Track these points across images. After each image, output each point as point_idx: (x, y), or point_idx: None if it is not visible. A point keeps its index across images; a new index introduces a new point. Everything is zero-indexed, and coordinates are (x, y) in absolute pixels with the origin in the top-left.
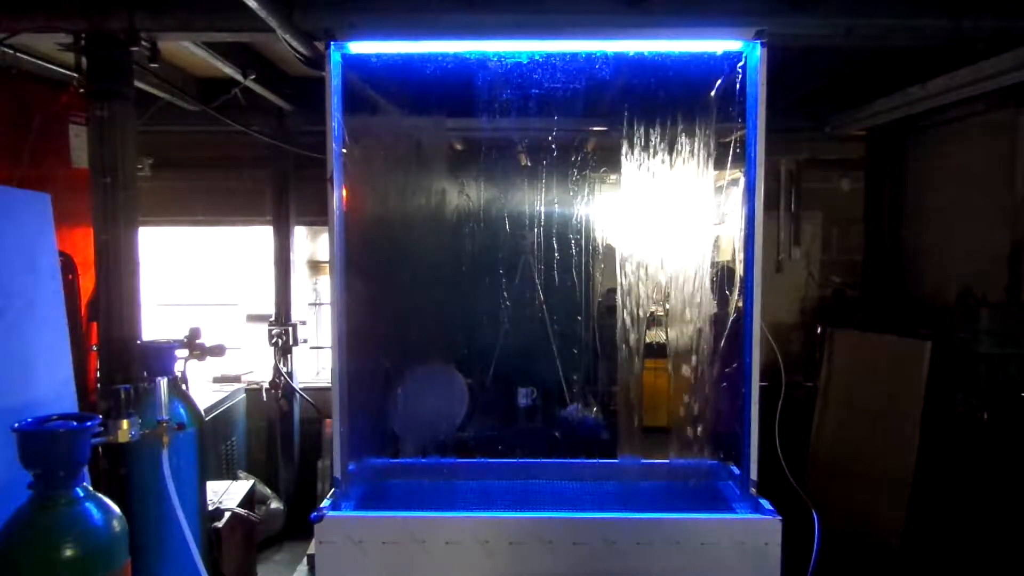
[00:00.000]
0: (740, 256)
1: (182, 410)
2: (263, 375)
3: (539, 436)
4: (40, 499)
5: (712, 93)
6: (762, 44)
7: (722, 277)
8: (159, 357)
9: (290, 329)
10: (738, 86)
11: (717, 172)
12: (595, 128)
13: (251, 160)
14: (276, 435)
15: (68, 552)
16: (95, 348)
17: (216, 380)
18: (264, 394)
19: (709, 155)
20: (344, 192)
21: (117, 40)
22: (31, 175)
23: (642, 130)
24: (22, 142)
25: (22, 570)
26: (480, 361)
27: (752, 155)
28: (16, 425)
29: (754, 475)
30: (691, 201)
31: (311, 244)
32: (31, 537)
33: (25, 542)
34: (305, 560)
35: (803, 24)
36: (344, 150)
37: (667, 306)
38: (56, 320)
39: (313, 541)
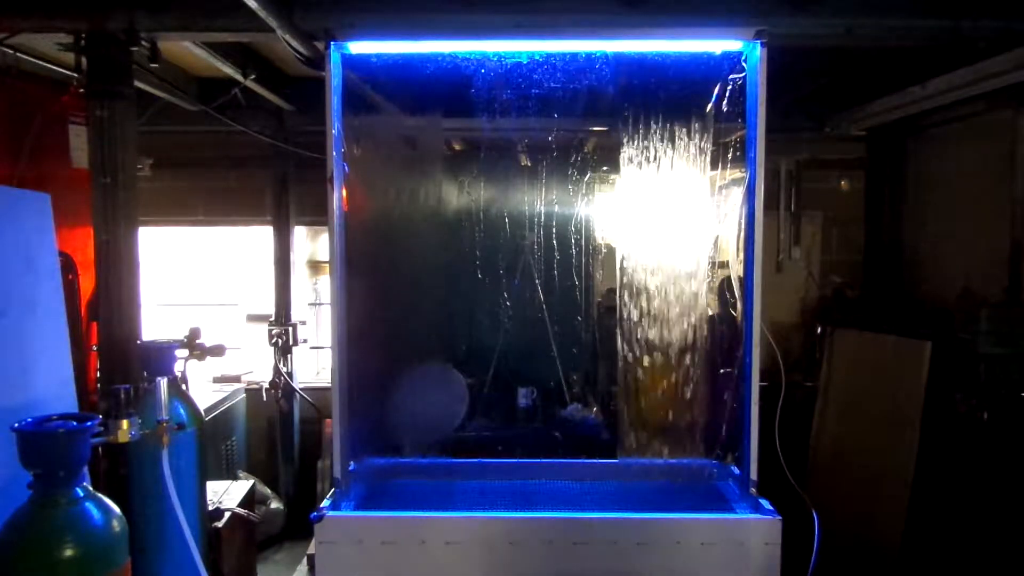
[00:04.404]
0: (740, 256)
1: (182, 410)
2: (263, 375)
3: (539, 436)
4: (40, 499)
5: (712, 93)
6: (762, 44)
7: (722, 287)
8: (159, 357)
9: (290, 329)
10: (730, 85)
11: (717, 172)
12: (595, 128)
13: (251, 160)
14: (276, 435)
15: (68, 552)
16: (95, 348)
17: (216, 380)
18: (264, 394)
19: (709, 155)
20: (344, 192)
21: (117, 40)
22: (31, 175)
23: (642, 130)
24: (22, 142)
25: (22, 570)
26: (480, 361)
27: (752, 155)
28: (16, 425)
29: (754, 475)
30: (691, 201)
31: (311, 244)
32: (31, 537)
33: (25, 542)
34: (305, 560)
35: (803, 24)
36: (344, 150)
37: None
38: (56, 320)
39: (313, 541)
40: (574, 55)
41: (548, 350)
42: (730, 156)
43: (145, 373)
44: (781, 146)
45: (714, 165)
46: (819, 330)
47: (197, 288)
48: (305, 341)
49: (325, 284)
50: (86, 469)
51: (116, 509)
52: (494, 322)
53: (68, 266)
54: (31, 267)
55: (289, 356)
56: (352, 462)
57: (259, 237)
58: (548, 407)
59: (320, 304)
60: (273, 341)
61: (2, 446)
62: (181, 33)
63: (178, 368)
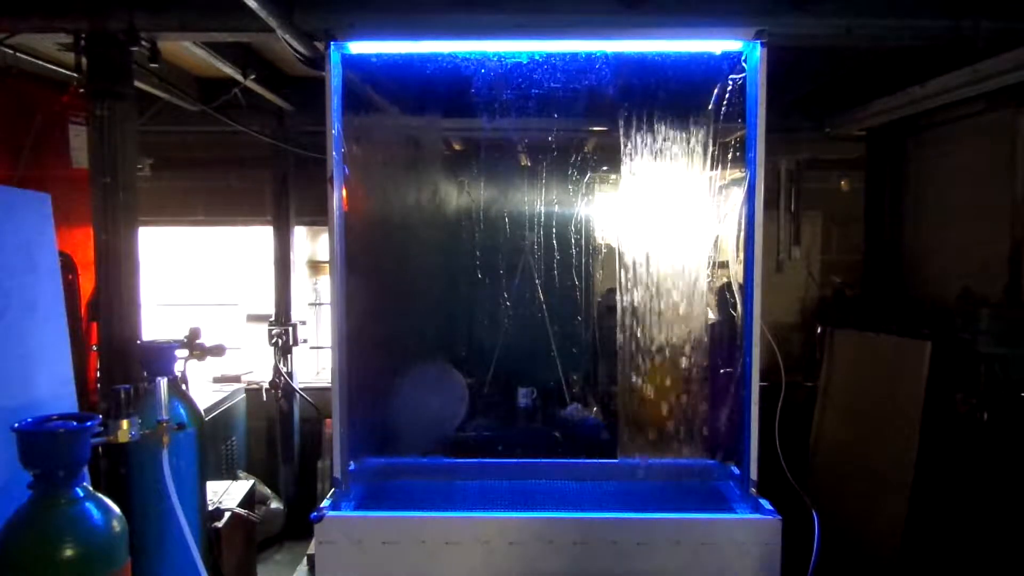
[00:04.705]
0: (740, 256)
1: (182, 410)
2: (263, 375)
3: (539, 436)
4: (40, 499)
5: (712, 93)
6: (762, 44)
7: (722, 290)
8: (159, 357)
9: (290, 329)
10: (729, 85)
11: (717, 172)
12: (595, 128)
13: (251, 160)
14: (276, 435)
15: (68, 552)
16: (95, 348)
17: (216, 380)
18: (264, 394)
19: (709, 155)
20: (344, 192)
21: (117, 40)
22: (31, 175)
23: (642, 130)
24: (22, 142)
25: (22, 570)
26: (480, 361)
27: (752, 155)
28: (16, 425)
29: (754, 475)
30: (691, 201)
31: (311, 244)
32: (31, 537)
33: (25, 542)
34: (305, 560)
35: (803, 24)
36: (344, 150)
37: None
38: (56, 320)
39: (313, 541)
40: (574, 55)
41: (548, 350)
42: (730, 156)
43: (145, 373)
44: (781, 146)
45: (714, 165)
46: (819, 330)
47: (197, 288)
48: (305, 341)
49: (325, 284)
50: (86, 469)
51: (116, 509)
52: (494, 322)
53: (68, 266)
54: (31, 267)
55: (289, 356)
56: (352, 462)
57: (259, 237)
58: (548, 407)
59: (320, 304)
60: (273, 341)
61: (2, 446)
62: (181, 33)
63: (178, 368)
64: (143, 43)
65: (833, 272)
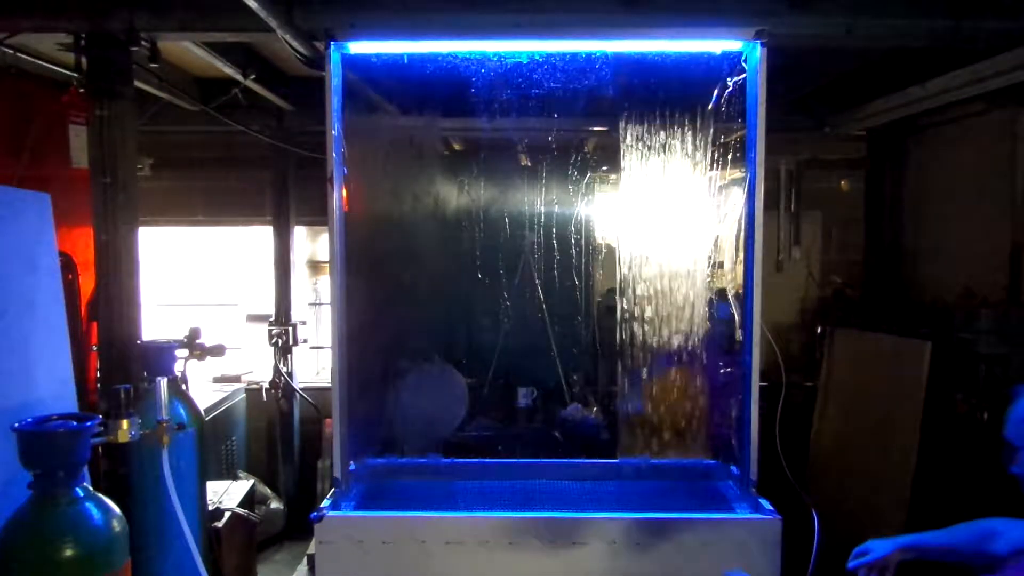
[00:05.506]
0: (740, 256)
1: (182, 410)
2: (263, 375)
3: (539, 436)
4: (40, 499)
5: (712, 93)
6: (762, 44)
7: (723, 288)
8: (159, 357)
9: (290, 329)
10: (729, 85)
11: (717, 172)
12: (595, 128)
13: (251, 160)
14: (276, 435)
15: (68, 552)
16: (95, 348)
17: (216, 380)
18: (264, 394)
19: (709, 155)
20: (344, 192)
21: (117, 40)
22: (31, 175)
23: (642, 130)
24: (22, 142)
25: (22, 570)
26: (480, 361)
27: (752, 155)
28: (16, 425)
29: (754, 475)
30: (691, 201)
31: (311, 244)
32: (31, 537)
33: (25, 542)
34: (305, 560)
35: (803, 24)
36: (344, 150)
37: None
38: (56, 320)
39: (313, 541)
40: (574, 55)
41: (548, 350)
42: (730, 156)
43: (145, 373)
44: (781, 146)
45: (714, 165)
46: (819, 330)
47: (197, 288)
48: (305, 341)
49: (325, 284)
50: (86, 469)
51: (116, 509)
52: (494, 322)
53: (68, 266)
54: (31, 267)
55: (289, 356)
56: (352, 462)
57: (259, 237)
58: (548, 407)
59: (320, 304)
60: (273, 341)
61: (2, 446)
62: (181, 33)
63: (178, 368)
64: (143, 43)
65: (833, 272)
